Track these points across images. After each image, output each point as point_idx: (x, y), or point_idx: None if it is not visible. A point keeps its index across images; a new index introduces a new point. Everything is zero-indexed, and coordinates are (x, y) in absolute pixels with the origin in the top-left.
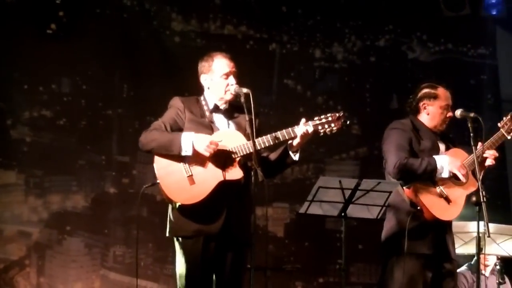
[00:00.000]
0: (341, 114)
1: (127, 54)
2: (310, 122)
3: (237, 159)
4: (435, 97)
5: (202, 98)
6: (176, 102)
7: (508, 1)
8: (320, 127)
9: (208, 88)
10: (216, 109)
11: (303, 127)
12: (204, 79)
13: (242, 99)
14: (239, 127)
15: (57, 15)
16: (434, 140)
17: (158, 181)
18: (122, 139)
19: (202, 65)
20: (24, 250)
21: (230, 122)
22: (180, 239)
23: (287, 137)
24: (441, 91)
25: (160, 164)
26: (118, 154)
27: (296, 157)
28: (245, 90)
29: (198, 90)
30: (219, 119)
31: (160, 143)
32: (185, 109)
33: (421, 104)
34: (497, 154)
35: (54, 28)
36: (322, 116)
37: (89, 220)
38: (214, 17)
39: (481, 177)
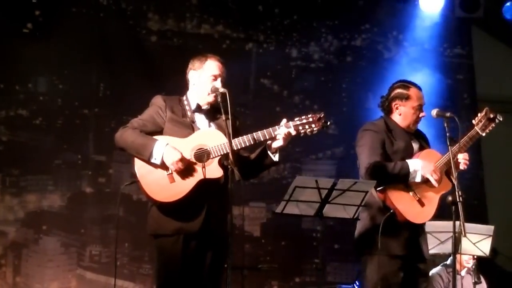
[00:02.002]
0: (322, 115)
1: (103, 54)
2: (291, 123)
3: (217, 158)
4: (407, 97)
5: (184, 97)
6: (157, 101)
7: (486, 1)
8: (300, 128)
9: (194, 84)
10: (198, 109)
11: (284, 129)
12: (191, 75)
13: (219, 99)
14: (220, 128)
15: (33, 14)
16: (407, 140)
17: (137, 179)
18: (99, 138)
19: (194, 62)
20: (0, 249)
21: (212, 122)
22: (160, 237)
23: (267, 137)
24: (413, 91)
25: (141, 162)
26: (95, 154)
27: (275, 157)
28: (221, 89)
29: (175, 89)
30: (201, 119)
31: (133, 145)
32: (167, 108)
33: (393, 104)
34: (467, 158)
35: (30, 27)
36: (303, 117)
37: (66, 220)
38: (191, 17)
39: (453, 179)
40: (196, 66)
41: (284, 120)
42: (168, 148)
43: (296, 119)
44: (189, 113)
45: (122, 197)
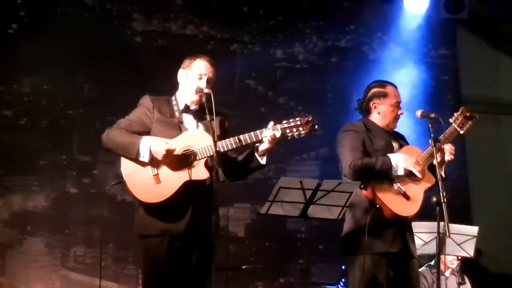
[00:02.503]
0: (310, 118)
1: (88, 54)
2: (278, 126)
3: (204, 159)
4: (384, 95)
5: (173, 98)
6: (145, 101)
7: (470, 3)
8: (288, 131)
9: (181, 83)
10: (186, 109)
11: (271, 131)
12: (180, 74)
13: (203, 99)
14: (208, 129)
15: (18, 15)
16: (387, 139)
17: (123, 179)
18: (83, 139)
19: (184, 62)
20: None
21: (200, 123)
22: (146, 237)
23: (254, 140)
24: (390, 89)
25: (127, 163)
26: (79, 154)
27: (263, 160)
28: (206, 90)
29: (160, 89)
30: (189, 120)
31: (119, 145)
32: (154, 109)
33: (371, 104)
34: (453, 148)
35: (15, 27)
36: (291, 120)
37: (50, 220)
38: (176, 17)
39: (442, 173)
40: (185, 65)
41: (272, 123)
42: (154, 141)
43: (283, 122)
44: (177, 114)
45: (106, 198)
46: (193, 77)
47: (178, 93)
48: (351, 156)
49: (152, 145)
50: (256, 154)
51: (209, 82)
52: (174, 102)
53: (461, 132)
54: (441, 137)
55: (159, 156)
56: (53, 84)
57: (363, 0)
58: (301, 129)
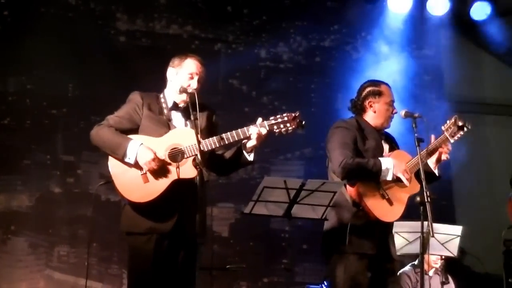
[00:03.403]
0: (297, 114)
1: (72, 54)
2: (265, 122)
3: (191, 158)
4: (379, 94)
5: (162, 95)
6: (135, 97)
7: (454, 2)
8: (275, 127)
9: (171, 81)
10: (175, 107)
11: (257, 128)
12: (169, 73)
13: (187, 98)
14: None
15: (2, 14)
16: (378, 140)
17: (111, 178)
18: (67, 138)
19: (174, 60)
20: None
21: (188, 121)
22: (132, 235)
23: (241, 137)
24: (384, 87)
25: (115, 162)
26: (63, 154)
27: (250, 157)
28: (190, 89)
29: (143, 89)
30: (177, 117)
31: (107, 144)
32: (143, 105)
33: (366, 102)
34: (450, 148)
35: None
36: (278, 116)
37: (34, 220)
38: (160, 17)
39: (436, 172)
40: (175, 64)
41: (260, 120)
42: (142, 147)
43: (271, 118)
44: (165, 111)
45: (90, 198)
46: (184, 76)
47: (166, 91)
48: (341, 153)
49: (139, 153)
50: (244, 151)
51: (199, 81)
52: (162, 100)
53: (452, 141)
54: (431, 145)
55: (144, 165)
56: (37, 84)
57: (347, 0)
58: (288, 125)
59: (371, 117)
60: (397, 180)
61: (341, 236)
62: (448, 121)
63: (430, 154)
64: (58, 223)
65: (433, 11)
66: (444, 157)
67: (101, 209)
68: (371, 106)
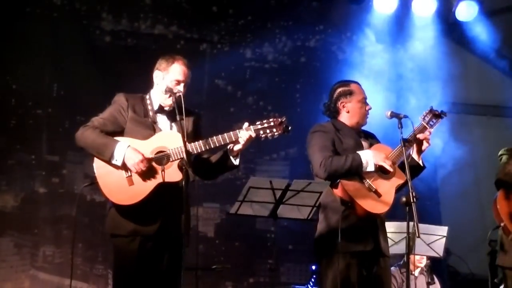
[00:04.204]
0: (283, 119)
1: (57, 54)
2: (251, 127)
3: (177, 161)
4: (350, 93)
5: (147, 96)
6: (119, 99)
7: (439, 2)
8: (261, 132)
9: (157, 84)
10: (160, 109)
11: (245, 132)
12: (156, 75)
13: (173, 100)
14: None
15: None
16: (356, 139)
17: (96, 180)
18: (52, 138)
19: (161, 62)
20: None
21: (173, 123)
22: (117, 237)
23: (227, 141)
24: (354, 86)
25: (100, 163)
26: (48, 154)
27: (236, 161)
28: (175, 90)
29: (128, 89)
30: (163, 120)
31: (93, 145)
32: (128, 107)
33: (339, 104)
34: (430, 132)
35: None
36: (264, 121)
37: (19, 220)
38: (145, 17)
39: (420, 162)
40: (162, 67)
41: (246, 124)
42: (130, 149)
43: (257, 122)
44: (151, 113)
45: (75, 198)
46: (171, 82)
47: (152, 93)
48: (321, 155)
49: (126, 155)
50: (230, 155)
51: (185, 86)
52: (148, 102)
53: (430, 130)
54: (411, 135)
55: (131, 167)
56: (22, 84)
57: (333, 0)
58: (274, 130)
59: (346, 117)
60: (380, 171)
61: (331, 237)
62: (424, 112)
63: (411, 144)
64: (43, 223)
65: (418, 12)
66: (425, 145)
67: (86, 210)
68: (344, 107)
